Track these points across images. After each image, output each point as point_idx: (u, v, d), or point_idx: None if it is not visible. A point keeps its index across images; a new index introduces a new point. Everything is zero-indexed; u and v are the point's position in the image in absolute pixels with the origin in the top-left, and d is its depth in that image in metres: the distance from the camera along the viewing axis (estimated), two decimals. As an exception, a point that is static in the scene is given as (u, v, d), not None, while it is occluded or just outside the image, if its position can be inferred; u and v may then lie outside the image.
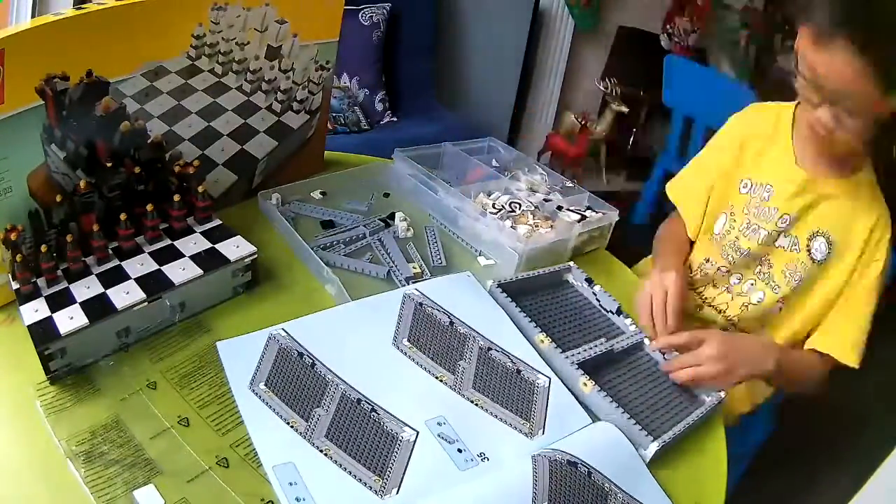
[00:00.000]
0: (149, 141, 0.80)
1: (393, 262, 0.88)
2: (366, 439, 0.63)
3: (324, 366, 0.68)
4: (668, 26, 2.69)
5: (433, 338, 0.74)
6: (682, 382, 0.79)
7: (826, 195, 0.92)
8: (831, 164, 0.91)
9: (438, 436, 0.64)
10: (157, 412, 0.63)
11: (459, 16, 2.41)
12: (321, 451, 0.61)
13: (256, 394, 0.64)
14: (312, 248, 0.85)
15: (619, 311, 0.87)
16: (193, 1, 0.77)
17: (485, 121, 2.48)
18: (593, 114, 2.71)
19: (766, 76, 2.82)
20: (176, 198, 0.77)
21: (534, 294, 0.86)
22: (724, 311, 1.02)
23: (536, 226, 0.96)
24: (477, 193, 1.02)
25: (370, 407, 0.66)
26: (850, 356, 0.91)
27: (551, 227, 0.97)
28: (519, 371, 0.73)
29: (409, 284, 0.82)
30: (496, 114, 2.62)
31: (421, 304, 0.78)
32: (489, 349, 0.75)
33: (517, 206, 1.00)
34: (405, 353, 0.72)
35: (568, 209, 1.01)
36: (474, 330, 0.76)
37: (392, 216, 0.98)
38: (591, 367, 0.75)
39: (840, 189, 0.91)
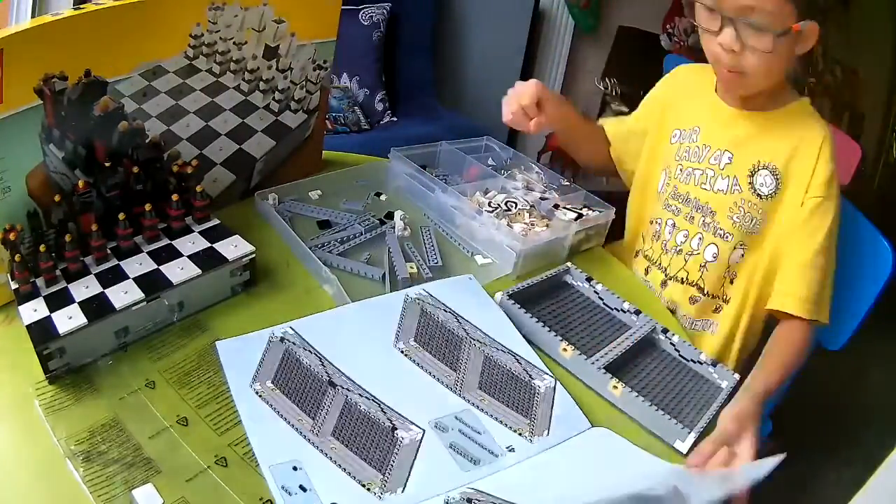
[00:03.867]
0: (147, 141, 0.80)
1: (391, 262, 0.88)
2: (370, 438, 0.63)
3: (330, 364, 0.68)
4: (668, 26, 2.69)
5: (437, 339, 0.74)
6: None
7: (758, 125, 0.87)
8: (754, 104, 0.89)
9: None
10: (156, 411, 0.63)
11: (459, 16, 2.41)
12: (323, 450, 0.60)
13: (258, 393, 0.64)
14: (310, 248, 0.85)
15: (623, 308, 0.86)
16: (191, 1, 0.77)
17: (485, 121, 2.46)
18: (593, 114, 2.71)
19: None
20: (174, 197, 0.77)
21: (540, 301, 0.85)
22: (686, 279, 0.98)
23: (533, 224, 0.96)
24: (473, 192, 1.02)
25: (375, 406, 0.66)
26: (814, 311, 0.84)
27: (548, 225, 0.97)
28: (523, 373, 0.73)
29: (406, 285, 0.82)
30: (496, 114, 2.57)
31: (424, 305, 0.78)
32: (493, 351, 0.75)
33: (513, 204, 1.00)
34: (409, 354, 0.72)
35: (565, 207, 1.01)
36: (478, 331, 0.76)
37: (389, 215, 0.98)
38: (614, 369, 0.75)
39: (773, 119, 0.87)
